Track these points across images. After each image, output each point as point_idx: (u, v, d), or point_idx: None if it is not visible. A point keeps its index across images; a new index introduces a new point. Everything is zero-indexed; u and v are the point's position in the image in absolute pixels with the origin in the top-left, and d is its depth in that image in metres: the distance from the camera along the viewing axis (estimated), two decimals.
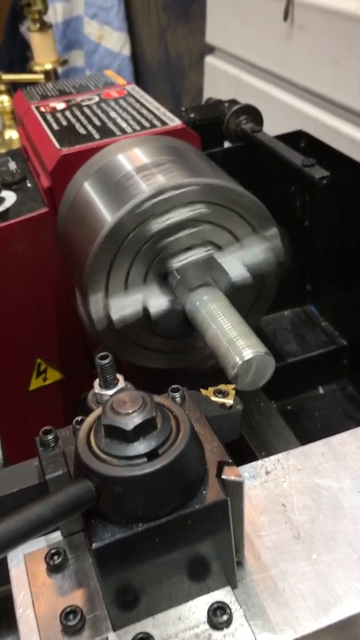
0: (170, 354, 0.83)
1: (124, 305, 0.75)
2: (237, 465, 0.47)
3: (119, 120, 0.95)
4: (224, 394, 0.57)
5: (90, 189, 0.83)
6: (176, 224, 0.73)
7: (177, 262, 0.74)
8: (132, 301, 0.75)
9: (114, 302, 0.75)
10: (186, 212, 0.73)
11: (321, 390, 1.18)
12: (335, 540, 0.53)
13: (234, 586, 0.50)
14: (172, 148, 0.86)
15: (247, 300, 0.81)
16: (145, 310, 0.75)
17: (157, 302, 0.75)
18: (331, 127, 1.33)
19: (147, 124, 0.93)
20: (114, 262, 0.74)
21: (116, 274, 0.74)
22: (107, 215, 0.74)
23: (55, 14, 2.83)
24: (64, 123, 0.97)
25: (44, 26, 2.21)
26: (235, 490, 0.46)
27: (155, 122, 0.93)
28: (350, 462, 0.60)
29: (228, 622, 0.47)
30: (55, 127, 0.96)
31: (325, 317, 1.26)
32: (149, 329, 0.78)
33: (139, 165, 0.80)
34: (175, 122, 0.93)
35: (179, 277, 0.73)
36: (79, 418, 0.54)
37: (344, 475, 0.58)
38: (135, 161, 0.82)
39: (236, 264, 0.76)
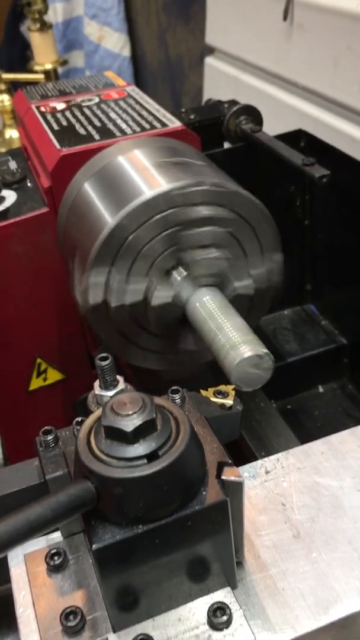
0: (166, 355, 0.83)
1: (125, 289, 0.75)
2: (237, 465, 0.47)
3: (119, 121, 0.95)
4: (224, 395, 0.57)
5: (90, 190, 0.83)
6: (203, 218, 0.74)
7: (191, 256, 0.74)
8: (134, 288, 0.75)
9: (115, 285, 0.75)
10: (214, 210, 0.74)
11: (321, 389, 1.18)
12: (335, 539, 0.53)
13: (233, 586, 0.50)
14: (172, 149, 0.86)
15: (244, 306, 0.81)
16: (146, 295, 0.75)
17: (161, 293, 0.75)
18: (331, 126, 1.33)
19: (147, 125, 0.93)
20: (121, 249, 0.73)
21: (122, 261, 0.74)
22: (108, 216, 0.74)
23: (56, 14, 2.83)
24: (64, 123, 0.97)
25: (44, 26, 2.21)
26: (235, 490, 0.46)
27: (155, 123, 0.93)
28: (350, 460, 0.60)
29: (228, 623, 0.47)
30: (56, 127, 0.96)
31: (325, 316, 1.26)
32: (143, 327, 0.78)
33: (141, 166, 0.80)
34: (175, 123, 0.93)
35: (187, 272, 0.73)
36: (79, 419, 0.54)
37: (344, 474, 0.58)
38: (136, 162, 0.82)
39: (243, 273, 0.77)
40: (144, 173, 0.78)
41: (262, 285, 0.79)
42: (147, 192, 0.72)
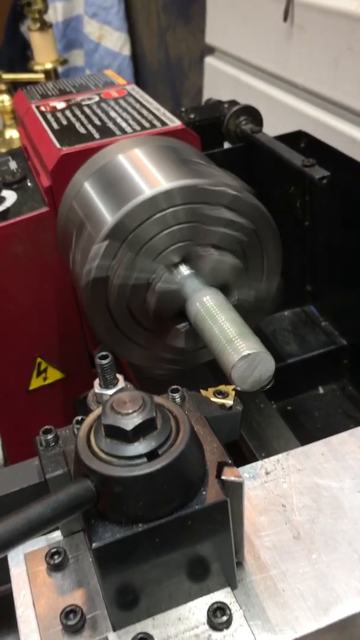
0: (151, 351, 0.82)
1: (134, 266, 0.74)
2: (237, 466, 0.47)
3: (119, 120, 0.95)
4: (224, 395, 0.57)
5: (90, 189, 0.83)
6: (226, 219, 0.74)
7: (205, 252, 0.74)
8: (142, 264, 0.74)
9: (126, 256, 0.74)
10: (233, 215, 0.74)
11: (321, 390, 1.18)
12: (335, 540, 0.53)
13: (233, 587, 0.50)
14: (172, 148, 0.86)
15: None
16: (150, 282, 0.74)
17: (166, 280, 0.74)
18: (331, 127, 1.33)
19: (147, 124, 0.93)
20: (138, 228, 0.73)
21: (135, 241, 0.73)
22: (107, 215, 0.74)
23: (56, 13, 2.83)
24: (64, 122, 0.97)
25: (44, 25, 2.21)
26: (235, 490, 0.46)
27: (155, 122, 0.93)
28: (350, 461, 0.60)
29: (228, 623, 0.47)
30: (56, 126, 0.96)
31: (325, 317, 1.26)
32: (135, 317, 0.78)
33: (141, 167, 0.80)
34: (175, 122, 0.93)
35: (194, 268, 0.74)
36: (79, 418, 0.54)
37: (344, 475, 0.58)
38: (136, 162, 0.82)
39: (246, 285, 0.78)
40: (145, 171, 0.78)
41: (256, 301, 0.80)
42: (173, 183, 0.73)
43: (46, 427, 0.54)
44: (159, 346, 0.80)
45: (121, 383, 0.57)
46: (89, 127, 0.94)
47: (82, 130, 0.93)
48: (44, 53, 2.25)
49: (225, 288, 0.76)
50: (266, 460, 0.61)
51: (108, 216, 0.74)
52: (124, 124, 0.93)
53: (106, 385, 0.56)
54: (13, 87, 2.18)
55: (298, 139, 1.13)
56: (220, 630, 0.47)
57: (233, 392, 0.58)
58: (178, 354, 0.81)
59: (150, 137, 0.89)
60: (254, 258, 0.78)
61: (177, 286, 0.74)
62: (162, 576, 0.47)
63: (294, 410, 1.15)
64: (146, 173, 0.77)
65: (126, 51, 2.76)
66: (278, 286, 0.83)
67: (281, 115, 1.47)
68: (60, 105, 1.05)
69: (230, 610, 0.48)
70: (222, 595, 0.49)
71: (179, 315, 0.75)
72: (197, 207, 0.73)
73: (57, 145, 0.89)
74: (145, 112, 0.98)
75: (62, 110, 1.03)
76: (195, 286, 0.73)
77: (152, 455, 0.44)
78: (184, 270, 0.74)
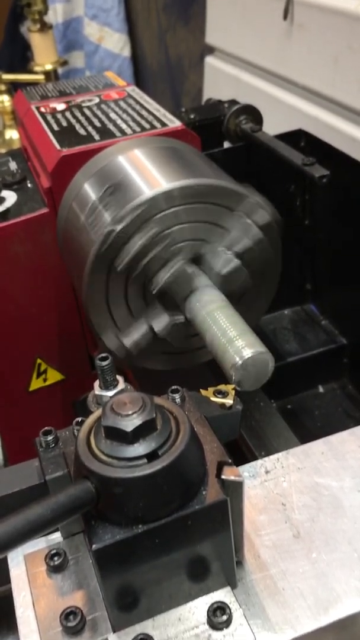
0: (171, 355, 0.83)
1: (132, 332, 0.76)
2: (237, 465, 0.47)
3: (119, 121, 0.95)
4: (224, 394, 0.57)
5: (90, 190, 0.83)
6: (143, 247, 0.72)
7: (159, 280, 0.74)
8: (139, 325, 0.76)
9: (125, 338, 0.76)
10: (146, 232, 0.72)
11: (321, 389, 1.18)
12: (335, 539, 0.53)
13: (233, 586, 0.50)
14: (172, 149, 0.86)
15: (251, 287, 0.80)
16: (152, 331, 0.75)
17: (160, 321, 0.75)
18: (331, 126, 1.33)
19: (147, 125, 0.93)
20: (109, 290, 0.74)
21: (115, 301, 0.75)
22: (108, 215, 0.74)
23: (56, 15, 2.83)
24: (64, 124, 0.97)
25: (44, 27, 2.21)
26: (234, 490, 0.46)
27: (155, 123, 0.93)
28: (350, 460, 0.60)
29: (228, 622, 0.47)
30: (56, 127, 0.96)
31: (325, 316, 1.26)
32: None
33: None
34: (175, 123, 0.93)
35: (169, 291, 0.74)
36: (79, 419, 0.54)
37: (344, 474, 0.58)
38: (136, 163, 0.82)
39: (222, 254, 0.75)
40: (145, 172, 0.78)
41: (250, 246, 0.77)
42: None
43: (46, 428, 0.54)
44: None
45: (121, 384, 0.57)
46: (89, 128, 0.94)
47: (82, 131, 0.93)
48: (44, 54, 2.25)
49: (207, 272, 0.76)
50: (266, 459, 0.61)
51: (108, 216, 0.74)
52: (124, 126, 0.94)
53: (106, 386, 0.57)
54: (13, 88, 2.18)
55: (298, 138, 1.13)
56: (220, 629, 0.47)
57: (233, 392, 0.58)
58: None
59: (150, 138, 0.89)
60: (215, 213, 0.76)
61: (172, 311, 0.75)
62: (162, 577, 0.47)
63: (293, 409, 1.15)
64: (146, 174, 0.78)
65: (126, 52, 2.76)
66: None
67: (281, 114, 1.47)
68: (60, 106, 1.05)
69: (230, 610, 0.48)
70: (222, 594, 0.50)
71: (175, 305, 0.76)
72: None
73: (57, 146, 0.89)
74: (145, 113, 0.98)
75: (62, 112, 1.03)
76: (183, 302, 0.73)
77: (152, 456, 0.44)
78: (195, 267, 0.74)
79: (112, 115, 0.98)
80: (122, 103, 1.04)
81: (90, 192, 0.82)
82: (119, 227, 0.71)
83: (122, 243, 0.72)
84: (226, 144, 1.18)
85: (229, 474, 0.45)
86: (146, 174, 0.78)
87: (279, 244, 0.79)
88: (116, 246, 0.72)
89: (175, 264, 0.73)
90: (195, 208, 0.74)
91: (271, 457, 0.61)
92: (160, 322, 0.75)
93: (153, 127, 0.92)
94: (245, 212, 0.75)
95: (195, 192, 0.73)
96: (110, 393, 0.56)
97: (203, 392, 0.57)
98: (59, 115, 1.01)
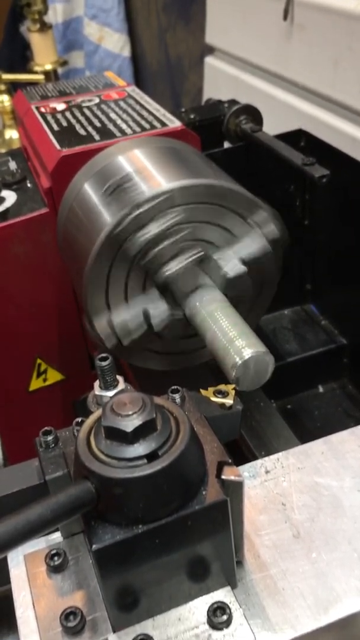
0: (171, 355, 0.83)
1: (127, 320, 0.75)
2: (237, 465, 0.47)
3: (119, 121, 0.95)
4: (224, 394, 0.57)
5: (90, 190, 0.83)
6: (157, 235, 0.72)
7: (168, 270, 0.74)
8: (134, 314, 0.76)
9: (117, 319, 0.75)
10: (164, 222, 0.73)
11: (321, 389, 1.18)
12: (335, 539, 0.53)
13: (233, 586, 0.50)
14: (172, 149, 0.86)
15: (248, 296, 0.80)
16: (148, 321, 0.75)
17: (158, 311, 0.75)
18: (331, 126, 1.33)
19: (147, 126, 0.93)
20: (111, 275, 0.74)
21: (114, 286, 0.75)
22: (108, 217, 0.74)
23: (55, 15, 2.83)
24: (64, 124, 0.97)
25: (44, 26, 2.21)
26: (235, 490, 0.46)
27: (155, 123, 0.93)
28: (350, 460, 0.60)
29: (228, 622, 0.47)
30: (56, 127, 0.96)
31: (325, 316, 1.26)
32: (154, 333, 0.78)
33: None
34: (175, 123, 0.93)
35: (173, 284, 0.73)
36: (79, 419, 0.54)
37: (344, 474, 0.58)
38: (136, 162, 0.82)
39: (230, 258, 0.76)
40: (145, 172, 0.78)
41: (258, 256, 0.77)
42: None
43: (46, 428, 0.54)
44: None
45: (121, 385, 0.57)
46: (89, 128, 0.94)
47: (82, 131, 0.93)
48: (44, 54, 2.25)
49: (214, 273, 0.76)
50: (266, 459, 0.61)
51: (108, 217, 0.74)
52: (124, 126, 0.94)
53: (106, 386, 0.57)
54: (13, 88, 2.18)
55: (298, 138, 1.13)
56: (220, 629, 0.47)
57: (233, 392, 0.58)
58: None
59: (150, 138, 0.89)
60: (228, 219, 0.76)
61: (171, 304, 0.75)
62: (162, 577, 0.47)
63: (293, 409, 1.15)
64: (146, 174, 0.78)
65: (126, 52, 2.75)
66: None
67: (281, 114, 1.47)
68: (60, 106, 1.05)
69: (230, 610, 0.48)
70: (222, 594, 0.50)
71: (174, 302, 0.76)
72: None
73: (57, 146, 0.89)
74: (145, 113, 0.98)
75: (62, 112, 1.03)
76: (184, 297, 0.73)
77: (152, 457, 0.44)
78: (169, 286, 0.75)
79: (112, 115, 0.98)
80: (122, 103, 1.04)
81: (91, 192, 0.82)
82: (137, 212, 0.71)
83: (134, 230, 0.72)
84: (226, 144, 1.18)
85: (229, 474, 0.45)
86: (165, 168, 0.78)
87: (281, 262, 0.80)
88: (129, 231, 0.72)
89: (186, 258, 0.74)
90: (210, 209, 0.74)
91: (271, 457, 0.61)
92: (158, 309, 0.75)
93: (153, 127, 0.92)
94: (258, 223, 0.76)
95: (214, 193, 0.74)
96: (110, 393, 0.56)
97: (203, 392, 0.57)
98: (59, 115, 1.01)
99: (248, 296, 0.80)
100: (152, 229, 0.72)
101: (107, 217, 0.74)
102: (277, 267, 0.80)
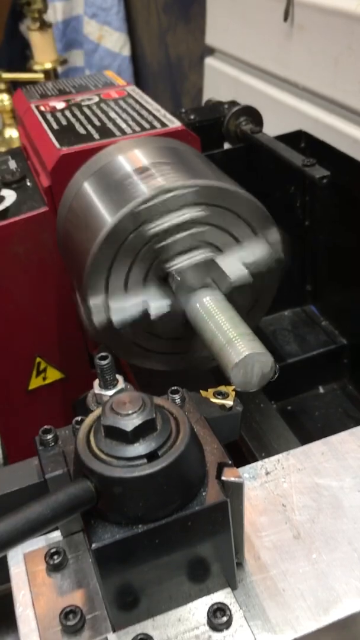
0: (169, 355, 0.83)
1: (124, 306, 0.75)
2: (237, 466, 0.47)
3: (118, 120, 0.95)
4: (224, 395, 0.57)
5: (90, 189, 0.82)
6: (174, 227, 0.73)
7: (176, 264, 0.74)
8: (133, 302, 0.75)
9: (114, 304, 0.74)
10: (183, 215, 0.73)
11: (321, 390, 1.18)
12: (336, 539, 0.53)
13: (233, 587, 0.50)
14: (172, 149, 0.86)
15: (247, 300, 0.81)
16: (146, 312, 0.74)
17: (158, 303, 0.75)
18: (332, 126, 1.33)
19: (147, 125, 0.93)
20: (114, 263, 0.73)
21: (116, 275, 0.74)
22: (107, 215, 0.74)
23: (55, 13, 2.83)
24: (64, 123, 0.97)
25: (44, 25, 2.21)
26: (235, 491, 0.45)
27: (155, 123, 0.93)
28: (351, 461, 0.60)
29: (228, 624, 0.47)
30: (55, 126, 0.96)
31: (325, 317, 1.26)
32: (148, 331, 0.78)
33: (139, 167, 0.80)
34: (175, 123, 0.93)
35: (178, 279, 0.73)
36: (79, 418, 0.54)
37: (344, 475, 0.58)
38: (135, 162, 0.82)
39: (236, 265, 0.76)
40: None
41: (261, 269, 0.78)
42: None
43: (46, 427, 0.54)
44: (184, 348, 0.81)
45: (121, 384, 0.57)
46: (89, 127, 0.94)
47: (81, 130, 0.93)
48: (44, 53, 2.25)
49: (219, 277, 0.76)
50: (266, 460, 0.61)
51: (108, 217, 0.73)
52: (123, 125, 0.93)
53: (106, 386, 0.57)
54: (12, 87, 2.18)
55: (298, 139, 1.13)
56: (221, 630, 0.47)
57: (233, 393, 0.58)
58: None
59: (150, 138, 0.89)
60: (238, 227, 0.77)
61: (171, 299, 0.75)
62: (162, 577, 0.47)
63: (294, 410, 1.15)
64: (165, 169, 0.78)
65: (126, 52, 2.76)
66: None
67: (281, 115, 1.47)
68: (60, 105, 1.05)
69: (230, 611, 0.48)
70: (222, 595, 0.49)
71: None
72: (145, 227, 0.73)
73: (57, 145, 0.89)
74: (145, 113, 0.97)
75: (62, 111, 1.03)
76: (186, 295, 0.73)
77: (152, 456, 0.44)
78: (172, 281, 0.74)
79: (112, 115, 0.98)
80: (122, 102, 1.03)
81: (90, 191, 0.82)
82: (165, 196, 0.71)
83: (143, 221, 0.72)
84: (226, 145, 1.18)
85: (229, 475, 0.45)
86: (182, 167, 0.78)
87: (279, 280, 0.80)
88: (152, 213, 0.72)
89: (195, 256, 0.74)
90: (225, 214, 0.75)
91: (271, 458, 0.61)
92: (157, 303, 0.75)
93: (153, 127, 0.92)
94: (268, 240, 0.77)
95: (234, 200, 0.74)
96: (110, 392, 0.56)
97: (203, 393, 0.57)
98: (59, 114, 1.01)
99: (248, 300, 0.80)
100: (173, 218, 0.72)
101: (107, 216, 0.74)
102: (278, 277, 0.80)
